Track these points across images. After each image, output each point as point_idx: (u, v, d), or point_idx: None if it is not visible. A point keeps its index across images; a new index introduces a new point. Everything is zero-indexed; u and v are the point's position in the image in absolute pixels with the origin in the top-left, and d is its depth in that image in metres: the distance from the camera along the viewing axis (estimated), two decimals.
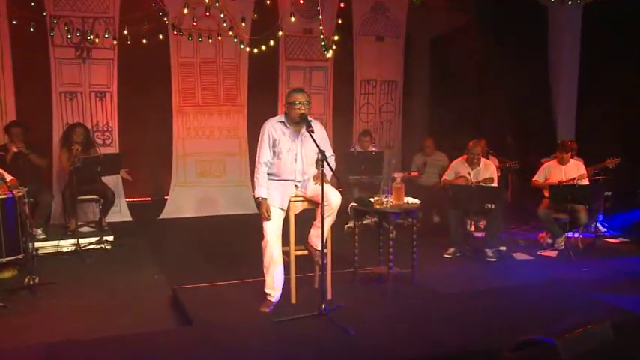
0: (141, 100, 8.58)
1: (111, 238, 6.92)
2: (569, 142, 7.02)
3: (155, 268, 6.00)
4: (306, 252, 4.61)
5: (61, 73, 7.97)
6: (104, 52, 8.11)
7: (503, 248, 6.60)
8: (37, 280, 5.10)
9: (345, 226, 7.48)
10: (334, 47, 7.23)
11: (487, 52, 8.86)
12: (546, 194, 6.88)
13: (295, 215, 4.50)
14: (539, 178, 7.08)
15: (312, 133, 4.15)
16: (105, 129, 8.31)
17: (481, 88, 8.94)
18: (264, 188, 4.41)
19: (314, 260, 4.60)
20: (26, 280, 5.11)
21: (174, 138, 8.74)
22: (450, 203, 6.53)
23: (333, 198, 4.30)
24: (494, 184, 6.59)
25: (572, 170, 6.86)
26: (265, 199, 4.39)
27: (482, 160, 6.85)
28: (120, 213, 8.43)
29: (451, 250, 6.46)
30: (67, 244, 6.63)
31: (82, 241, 6.66)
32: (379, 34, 9.66)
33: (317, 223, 4.40)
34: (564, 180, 6.73)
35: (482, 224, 7.03)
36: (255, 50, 7.79)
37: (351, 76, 9.66)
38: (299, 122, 4.34)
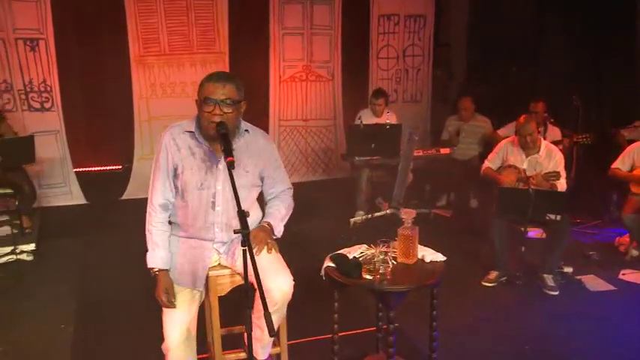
0: (87, 50, 6.66)
1: (31, 246, 5.15)
2: None
3: (72, 304, 4.21)
4: (242, 356, 2.71)
5: None
6: None
7: (568, 270, 4.61)
8: None
9: (352, 220, 5.61)
10: None
11: None
12: (634, 189, 4.80)
13: (221, 297, 2.58)
14: (622, 165, 4.93)
15: (232, 167, 2.15)
16: (42, 89, 6.42)
17: (539, 25, 6.61)
18: (162, 250, 2.50)
19: None
20: None
21: (134, 97, 6.80)
22: (494, 208, 4.51)
23: (278, 285, 2.37)
24: (562, 182, 4.49)
25: None
26: (165, 271, 2.48)
27: (544, 142, 4.73)
28: (70, 195, 6.70)
29: (494, 274, 4.50)
30: None
31: None
32: None
33: (256, 319, 2.49)
34: None
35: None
36: None
37: (366, 11, 7.46)
38: (216, 137, 2.36)
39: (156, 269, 2.49)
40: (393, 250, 2.81)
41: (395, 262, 2.74)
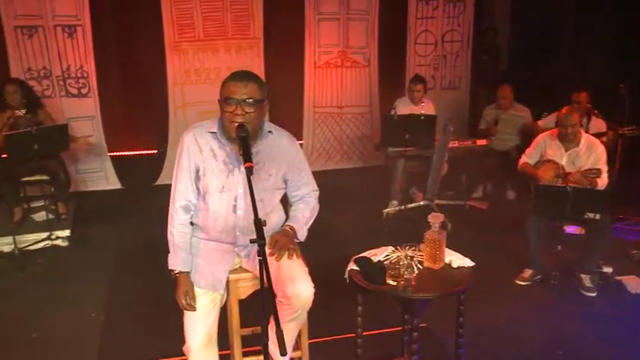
0: (123, 36, 6.67)
1: (66, 232, 5.23)
2: None
3: (103, 292, 4.26)
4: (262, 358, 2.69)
5: (12, 0, 6.07)
6: None
7: (607, 270, 4.44)
8: None
9: (384, 211, 5.54)
10: None
11: None
12: None
13: (245, 297, 2.55)
14: None
15: (251, 173, 2.09)
16: (79, 75, 6.47)
17: (584, 10, 6.32)
18: (183, 253, 2.48)
19: None
20: None
21: (169, 83, 6.80)
22: (531, 205, 4.35)
23: (298, 292, 2.32)
24: (603, 178, 4.29)
25: None
26: (186, 273, 2.46)
27: (584, 135, 4.53)
28: (106, 180, 6.79)
29: (528, 273, 4.36)
30: (3, 244, 4.99)
31: (29, 237, 5.06)
32: None
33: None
34: None
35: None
36: None
37: None
38: (237, 139, 2.29)
39: (176, 271, 2.47)
40: (419, 253, 2.73)
41: (421, 267, 2.65)
